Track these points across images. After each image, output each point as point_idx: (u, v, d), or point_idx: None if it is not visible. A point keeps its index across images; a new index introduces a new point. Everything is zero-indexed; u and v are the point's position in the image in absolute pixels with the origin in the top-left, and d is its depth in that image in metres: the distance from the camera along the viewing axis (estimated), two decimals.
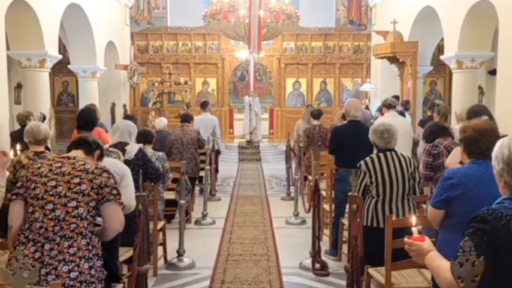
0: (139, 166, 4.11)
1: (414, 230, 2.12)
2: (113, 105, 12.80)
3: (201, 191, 8.35)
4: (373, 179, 3.77)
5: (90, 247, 2.44)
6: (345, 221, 4.95)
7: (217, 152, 9.17)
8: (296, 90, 16.14)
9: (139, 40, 15.80)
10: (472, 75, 8.91)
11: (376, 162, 3.80)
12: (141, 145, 4.21)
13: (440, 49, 12.70)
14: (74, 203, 2.43)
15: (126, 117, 7.59)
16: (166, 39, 15.81)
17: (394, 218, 3.30)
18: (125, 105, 13.02)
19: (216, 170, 9.21)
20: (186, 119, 7.27)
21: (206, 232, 6.47)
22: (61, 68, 14.34)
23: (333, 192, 5.24)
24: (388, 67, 12.91)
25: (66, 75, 15.09)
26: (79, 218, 2.43)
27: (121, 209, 2.53)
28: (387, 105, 6.03)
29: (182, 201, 4.88)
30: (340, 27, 16.04)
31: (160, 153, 4.91)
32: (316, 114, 8.20)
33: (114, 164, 3.22)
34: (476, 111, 4.56)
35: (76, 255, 2.40)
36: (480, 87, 13.30)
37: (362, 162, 3.84)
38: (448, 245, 2.42)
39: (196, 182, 8.74)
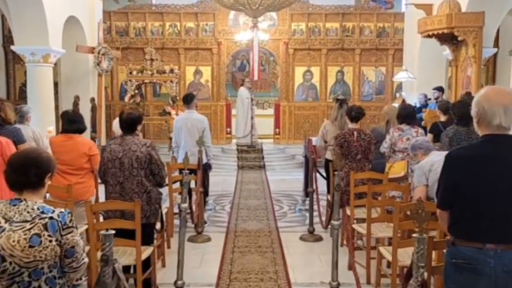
0: None
1: None
2: (76, 98, 10.01)
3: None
4: None
5: None
6: None
7: (207, 167, 6.39)
8: (307, 81, 13.33)
9: (117, 20, 13.00)
10: None
11: None
12: None
13: None
14: None
15: (65, 114, 4.77)
16: (150, 20, 13.01)
17: None
18: (93, 99, 10.21)
19: (206, 193, 6.44)
20: (129, 122, 4.03)
21: None
22: None
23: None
24: (429, 51, 10.23)
25: None
26: None
27: None
28: None
29: None
30: (360, 5, 13.32)
31: (58, 211, 2.10)
32: (355, 116, 5.42)
33: None
34: None
35: None
36: None
37: None
38: None
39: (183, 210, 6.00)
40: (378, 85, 13.27)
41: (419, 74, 10.49)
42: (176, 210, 5.92)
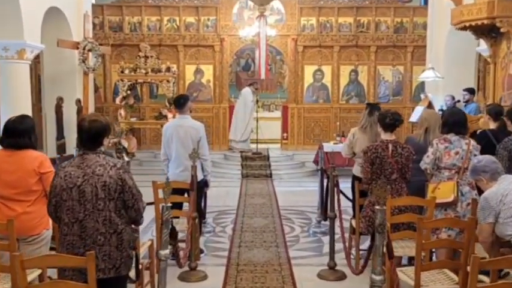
0: None
1: None
2: (60, 100, 8.90)
3: (174, 256, 4.47)
4: None
5: None
6: None
7: (204, 185, 5.27)
8: (317, 81, 12.19)
9: (111, 14, 11.92)
10: None
11: None
12: None
13: None
14: None
15: (6, 122, 3.58)
16: (146, 14, 11.93)
17: None
18: (79, 101, 9.10)
19: (201, 217, 5.31)
20: (92, 133, 2.87)
21: None
22: None
23: None
24: (456, 47, 9.12)
25: None
26: None
27: None
28: None
29: None
30: None
31: None
32: (391, 124, 4.28)
33: None
34: None
35: None
36: None
37: None
38: None
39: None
40: (395, 85, 12.13)
41: (445, 73, 9.34)
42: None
